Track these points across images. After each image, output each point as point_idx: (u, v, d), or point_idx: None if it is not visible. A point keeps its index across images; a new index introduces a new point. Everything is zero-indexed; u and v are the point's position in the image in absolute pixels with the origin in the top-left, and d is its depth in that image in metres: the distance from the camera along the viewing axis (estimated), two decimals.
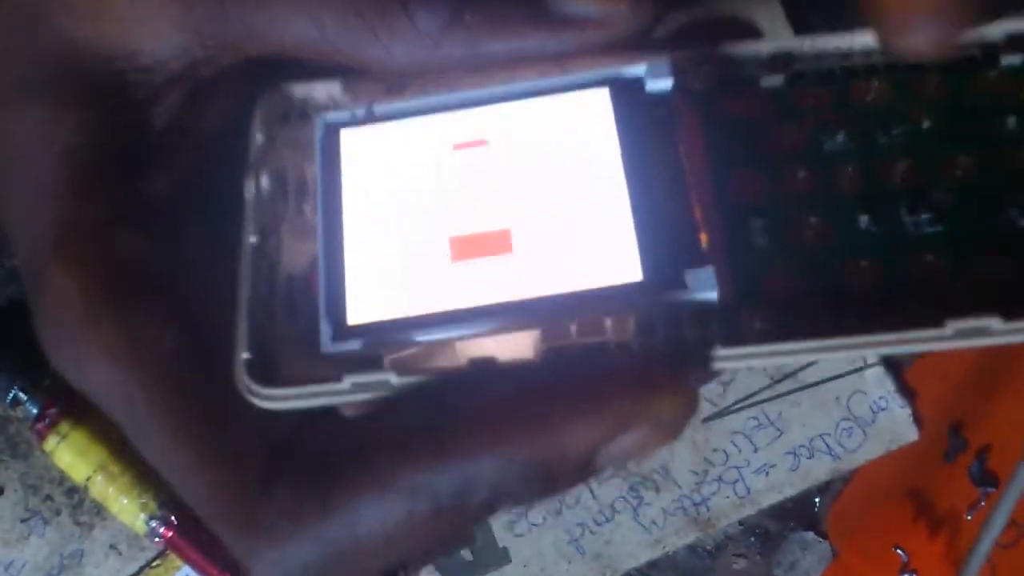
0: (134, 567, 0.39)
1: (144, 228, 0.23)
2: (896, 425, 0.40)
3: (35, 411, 0.38)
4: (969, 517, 0.39)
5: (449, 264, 0.23)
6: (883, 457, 0.40)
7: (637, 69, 0.24)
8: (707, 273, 0.22)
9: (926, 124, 0.24)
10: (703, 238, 0.22)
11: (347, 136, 0.24)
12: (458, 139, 0.24)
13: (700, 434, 0.40)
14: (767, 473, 0.40)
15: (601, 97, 0.24)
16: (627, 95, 0.24)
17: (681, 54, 0.24)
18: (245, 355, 0.22)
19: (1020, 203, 0.23)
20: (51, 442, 0.37)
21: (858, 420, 0.40)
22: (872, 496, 0.40)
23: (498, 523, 0.40)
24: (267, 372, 0.22)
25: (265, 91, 0.24)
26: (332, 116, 0.24)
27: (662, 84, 0.24)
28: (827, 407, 0.40)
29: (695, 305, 0.22)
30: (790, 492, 0.40)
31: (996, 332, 0.22)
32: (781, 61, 0.25)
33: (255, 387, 0.22)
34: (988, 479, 0.39)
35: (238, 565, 0.37)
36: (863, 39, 0.25)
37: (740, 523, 0.40)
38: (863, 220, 0.23)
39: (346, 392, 0.22)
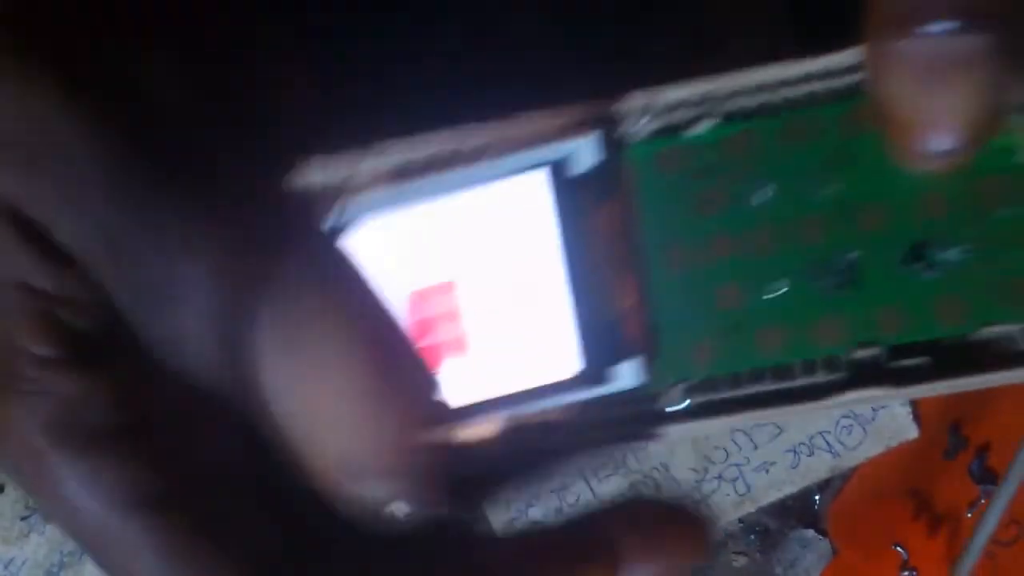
0: None
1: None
2: (896, 423, 0.40)
3: None
4: (969, 515, 0.39)
5: None
6: (883, 455, 0.40)
7: (569, 145, 0.24)
8: (638, 362, 0.23)
9: (843, 169, 0.24)
10: (636, 322, 0.24)
11: None
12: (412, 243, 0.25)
13: None
14: (767, 471, 0.40)
15: (538, 180, 0.24)
16: (562, 173, 0.24)
17: (607, 106, 0.24)
18: None
19: (947, 240, 0.23)
20: None
21: (858, 418, 0.40)
22: (872, 494, 0.40)
23: (499, 522, 0.40)
24: None
25: None
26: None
27: (592, 157, 0.24)
28: None
29: (631, 389, 0.23)
30: (790, 490, 0.40)
31: (888, 397, 0.23)
32: (704, 106, 0.25)
33: None
34: (988, 477, 0.39)
35: None
36: (788, 70, 0.24)
37: (740, 521, 0.40)
38: (779, 285, 0.24)
39: None
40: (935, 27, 0.20)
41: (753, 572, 0.41)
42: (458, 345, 0.24)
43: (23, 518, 0.39)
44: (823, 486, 0.40)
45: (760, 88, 0.25)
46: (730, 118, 0.25)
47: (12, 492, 0.39)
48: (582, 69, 0.29)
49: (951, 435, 0.40)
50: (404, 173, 0.25)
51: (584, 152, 0.24)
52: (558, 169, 0.24)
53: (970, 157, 0.22)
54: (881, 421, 0.40)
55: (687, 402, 0.24)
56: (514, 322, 0.24)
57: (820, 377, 0.24)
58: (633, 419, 0.24)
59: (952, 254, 0.23)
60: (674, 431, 0.24)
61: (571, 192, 0.24)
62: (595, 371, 0.24)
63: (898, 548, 0.39)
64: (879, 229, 0.24)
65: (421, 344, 0.24)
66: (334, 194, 0.25)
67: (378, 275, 0.24)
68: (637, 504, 0.24)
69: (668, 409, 0.24)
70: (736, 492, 0.40)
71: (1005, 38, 0.20)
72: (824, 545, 0.41)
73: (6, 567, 0.39)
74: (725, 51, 0.32)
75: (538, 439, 0.24)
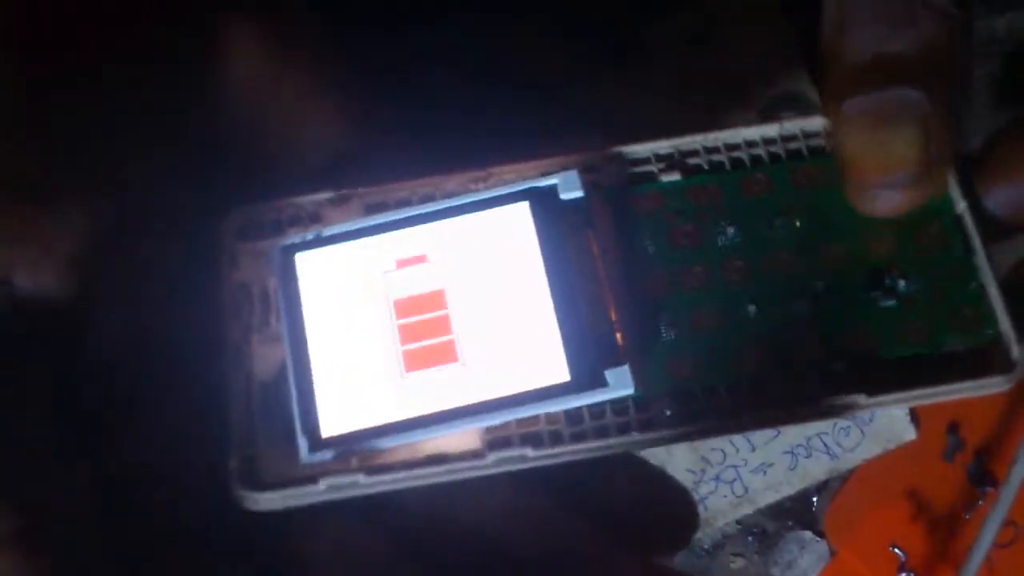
0: None
1: None
2: (894, 425, 0.40)
3: None
4: (967, 516, 0.39)
5: (403, 375, 0.26)
6: (881, 456, 0.40)
7: (551, 181, 0.27)
8: (623, 371, 0.25)
9: (800, 219, 0.28)
10: (619, 337, 0.26)
11: (301, 259, 0.27)
12: (400, 256, 0.27)
13: None
14: (765, 472, 0.40)
15: (522, 210, 0.27)
16: (545, 206, 0.27)
17: (591, 155, 0.28)
18: (234, 463, 0.25)
19: (899, 273, 0.27)
20: None
21: (856, 420, 0.40)
22: (870, 495, 0.40)
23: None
24: (252, 476, 0.26)
25: (228, 212, 0.27)
26: (286, 241, 0.27)
27: (575, 193, 0.27)
28: None
29: (615, 398, 0.26)
30: (788, 491, 0.40)
31: (863, 406, 0.26)
32: (679, 158, 0.29)
33: (243, 492, 0.25)
34: (986, 479, 0.39)
35: None
36: (749, 132, 0.29)
37: (738, 522, 0.40)
38: (751, 309, 0.27)
39: (322, 493, 0.25)
40: (880, 91, 0.24)
41: (751, 574, 0.41)
42: (447, 354, 0.26)
43: None
44: (821, 488, 0.40)
45: (726, 146, 0.29)
46: (698, 169, 0.29)
47: None
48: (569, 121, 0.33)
49: (949, 437, 0.40)
50: (384, 206, 0.28)
51: (565, 185, 0.27)
52: (541, 200, 0.27)
53: (917, 203, 0.26)
54: (879, 423, 0.40)
55: (667, 412, 0.27)
56: (501, 335, 0.26)
57: (793, 388, 0.27)
58: (616, 426, 0.26)
59: (904, 285, 0.27)
60: (657, 438, 0.26)
61: (554, 219, 0.27)
62: (584, 378, 0.26)
63: (896, 550, 0.39)
64: (837, 268, 0.28)
65: (411, 349, 0.26)
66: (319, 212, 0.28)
67: (379, 282, 0.27)
68: None
69: (655, 419, 0.27)
70: (734, 494, 0.40)
71: (936, 98, 0.24)
72: (822, 547, 0.41)
73: None
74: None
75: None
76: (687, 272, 0.28)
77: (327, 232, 0.27)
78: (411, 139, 0.30)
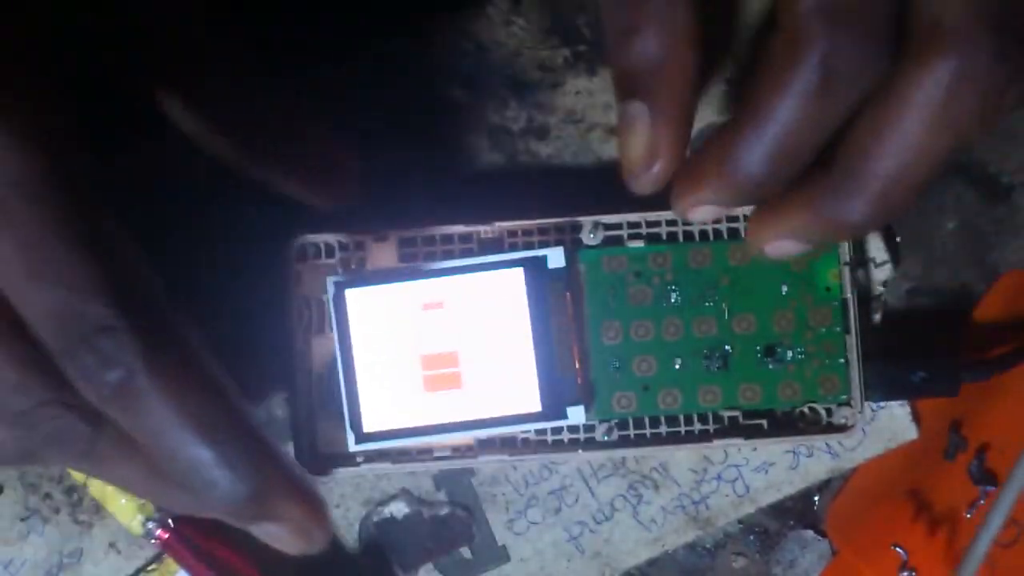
0: (133, 566, 0.39)
1: None
2: (895, 424, 0.40)
3: None
4: (969, 515, 0.39)
5: (424, 392, 0.35)
6: (882, 455, 0.40)
7: (542, 252, 0.35)
8: (579, 409, 0.35)
9: (726, 291, 0.37)
10: (579, 381, 0.36)
11: (350, 294, 0.35)
12: (425, 300, 0.35)
13: None
14: (766, 471, 0.40)
15: (517, 274, 0.35)
16: (535, 272, 0.35)
17: (577, 220, 0.37)
18: (300, 448, 0.37)
19: (789, 345, 0.37)
20: None
21: (858, 419, 0.40)
22: (871, 494, 0.40)
23: (497, 522, 0.40)
24: (312, 454, 0.37)
25: (292, 237, 0.36)
26: (338, 278, 0.35)
27: (559, 263, 0.35)
28: None
29: (571, 425, 0.36)
30: (789, 490, 0.40)
31: (744, 445, 0.38)
32: (644, 227, 0.37)
33: (303, 469, 0.35)
34: (988, 478, 0.39)
35: (236, 572, 0.37)
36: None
37: (739, 521, 0.40)
38: (677, 362, 0.37)
39: (364, 473, 0.37)
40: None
41: (752, 573, 0.41)
42: (456, 381, 0.35)
43: (23, 519, 0.39)
44: (822, 487, 0.40)
45: (685, 221, 0.36)
46: (657, 238, 0.37)
47: (12, 493, 0.39)
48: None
49: (951, 436, 0.40)
50: (412, 255, 0.36)
51: (552, 258, 0.35)
52: (532, 267, 0.35)
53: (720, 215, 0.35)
54: (880, 422, 0.40)
55: (613, 435, 0.37)
56: (495, 371, 0.35)
57: (698, 427, 0.37)
58: (573, 443, 0.37)
59: (790, 354, 0.37)
60: (602, 454, 0.38)
61: (541, 283, 0.35)
62: (550, 410, 0.35)
63: (897, 549, 0.39)
64: (747, 332, 0.37)
65: (430, 375, 0.35)
66: (351, 259, 0.36)
67: (409, 319, 0.35)
68: None
69: (598, 439, 0.37)
70: (735, 493, 0.40)
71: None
72: (823, 546, 0.41)
73: (5, 568, 0.39)
74: None
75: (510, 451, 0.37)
76: (637, 325, 0.37)
77: (370, 274, 0.35)
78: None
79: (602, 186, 0.37)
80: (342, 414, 0.35)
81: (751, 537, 0.41)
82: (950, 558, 0.39)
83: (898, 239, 0.40)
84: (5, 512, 0.39)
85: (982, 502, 0.39)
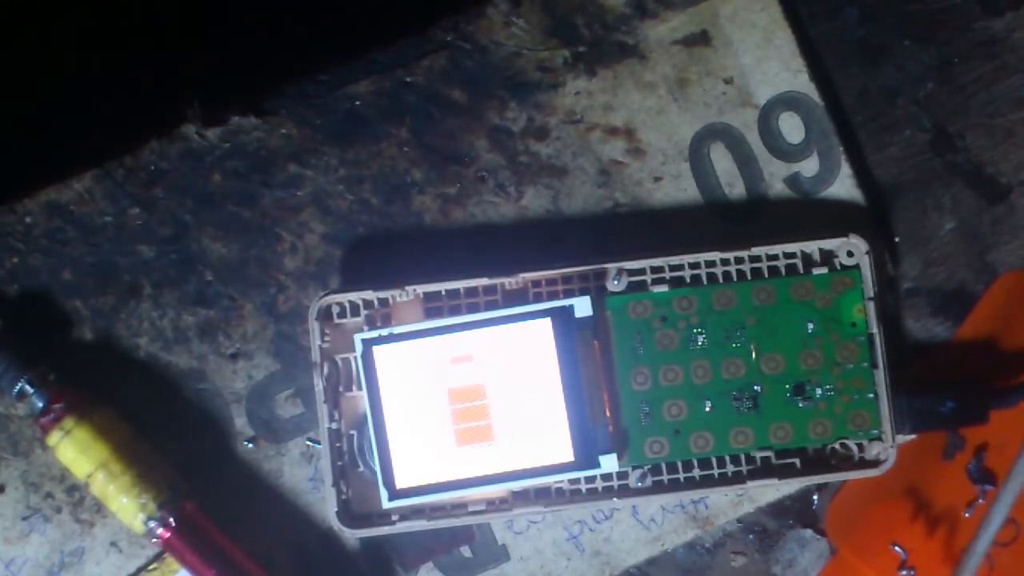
0: (135, 565, 0.39)
1: None
2: None
3: (41, 405, 0.37)
4: (967, 515, 0.39)
5: (455, 446, 0.35)
6: None
7: (569, 302, 0.35)
8: (612, 457, 0.36)
9: (753, 332, 0.37)
10: (611, 429, 0.36)
11: (378, 351, 0.35)
12: (453, 355, 0.35)
13: None
14: None
15: (545, 325, 0.35)
16: (562, 322, 0.35)
17: (602, 267, 0.36)
18: (335, 508, 0.36)
19: (817, 382, 0.37)
20: (54, 437, 0.37)
21: None
22: (870, 494, 0.40)
23: (497, 521, 0.40)
24: (347, 512, 0.37)
25: (317, 297, 0.36)
26: (366, 335, 0.35)
27: (586, 312, 0.35)
28: None
29: (605, 473, 0.37)
30: (788, 490, 0.40)
31: (774, 485, 0.38)
32: (667, 271, 0.37)
33: (341, 527, 0.36)
34: (986, 477, 0.39)
35: (237, 570, 0.37)
36: (724, 254, 0.36)
37: (738, 521, 0.40)
38: (707, 404, 0.37)
39: (399, 529, 0.37)
40: None
41: (751, 572, 0.41)
42: (486, 434, 0.36)
43: (24, 518, 0.39)
44: (821, 486, 0.41)
45: (705, 263, 0.37)
46: (682, 281, 0.37)
47: (14, 492, 0.39)
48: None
49: (949, 435, 0.40)
50: (437, 310, 0.36)
51: (579, 307, 0.35)
52: (560, 317, 0.35)
53: None
54: None
55: (647, 481, 0.37)
56: (526, 422, 0.35)
57: (731, 468, 0.37)
58: (607, 491, 0.37)
59: (819, 392, 0.37)
60: (636, 501, 0.37)
61: (568, 333, 0.35)
62: (583, 459, 0.35)
63: (896, 548, 0.39)
64: (775, 372, 0.37)
65: (461, 428, 0.35)
66: (376, 316, 0.36)
67: (438, 374, 0.35)
68: None
69: (632, 485, 0.37)
70: (735, 492, 0.40)
71: None
72: (822, 545, 0.41)
73: (7, 567, 0.39)
74: None
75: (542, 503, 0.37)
76: (665, 369, 0.36)
77: (398, 331, 0.35)
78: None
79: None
80: (374, 471, 0.35)
81: (750, 536, 0.41)
82: (949, 557, 0.39)
83: (897, 239, 0.40)
84: (7, 511, 0.39)
85: (981, 501, 0.39)
